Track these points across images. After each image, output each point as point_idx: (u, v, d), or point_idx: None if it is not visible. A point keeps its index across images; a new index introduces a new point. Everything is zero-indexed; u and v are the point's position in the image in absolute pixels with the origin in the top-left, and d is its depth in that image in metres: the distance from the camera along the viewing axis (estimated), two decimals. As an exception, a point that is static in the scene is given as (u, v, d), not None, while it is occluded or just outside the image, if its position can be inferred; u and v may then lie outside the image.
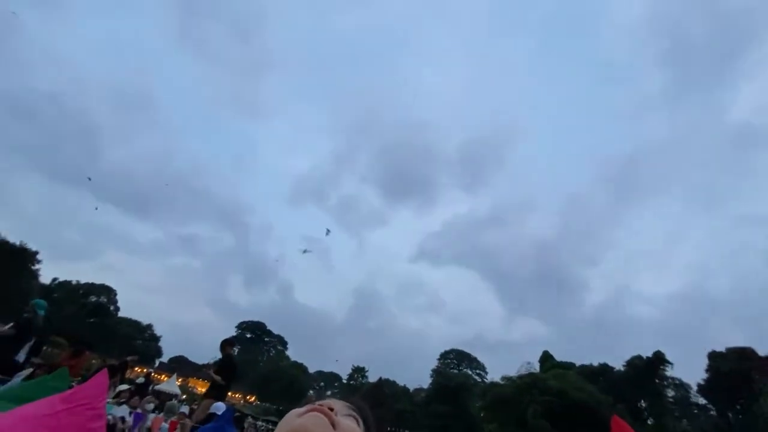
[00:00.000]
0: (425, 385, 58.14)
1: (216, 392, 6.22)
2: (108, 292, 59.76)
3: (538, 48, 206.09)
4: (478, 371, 62.21)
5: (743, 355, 37.85)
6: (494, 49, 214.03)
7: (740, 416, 36.32)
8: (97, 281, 60.03)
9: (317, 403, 0.62)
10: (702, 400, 43.06)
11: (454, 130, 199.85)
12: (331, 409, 0.61)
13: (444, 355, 63.29)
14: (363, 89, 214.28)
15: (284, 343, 70.65)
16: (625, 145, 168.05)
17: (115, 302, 60.26)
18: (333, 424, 0.58)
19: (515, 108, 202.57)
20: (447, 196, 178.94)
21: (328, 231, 67.95)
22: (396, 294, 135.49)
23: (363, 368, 68.14)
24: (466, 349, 64.96)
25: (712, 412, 41.59)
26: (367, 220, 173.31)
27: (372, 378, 66.23)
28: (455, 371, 60.39)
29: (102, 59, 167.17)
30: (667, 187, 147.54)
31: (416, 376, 71.04)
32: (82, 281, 58.68)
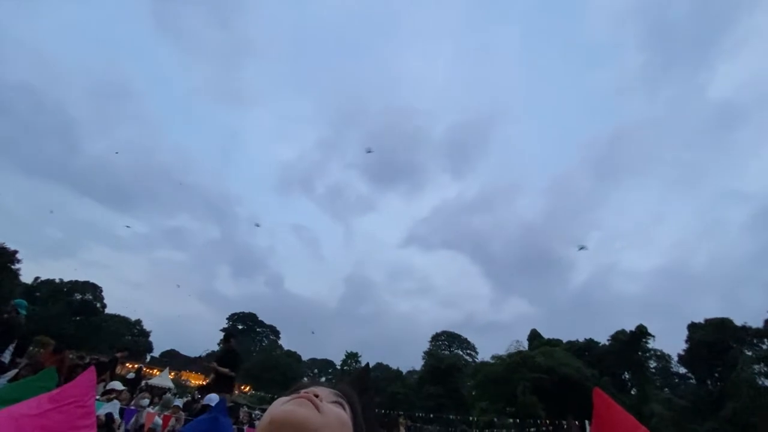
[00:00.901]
0: (418, 368, 59.26)
1: (224, 385, 6.15)
2: (93, 289, 58.72)
3: (522, 31, 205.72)
4: (468, 352, 63.59)
5: (721, 326, 39.43)
6: (478, 33, 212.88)
7: (718, 383, 38.07)
8: (81, 279, 58.93)
9: (303, 390, 0.61)
10: (682, 370, 44.98)
11: (441, 115, 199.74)
12: (317, 396, 0.60)
13: (435, 338, 64.38)
14: (347, 76, 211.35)
15: (276, 333, 70.94)
16: (608, 126, 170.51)
17: (101, 299, 59.32)
18: (318, 410, 0.57)
19: (500, 91, 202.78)
20: (435, 182, 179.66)
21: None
22: (387, 280, 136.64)
23: (356, 354, 68.96)
24: (457, 331, 66.27)
25: (691, 381, 43.52)
26: (356, 207, 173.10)
27: (365, 363, 67.16)
28: (447, 353, 61.56)
29: (76, 49, 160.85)
30: (650, 166, 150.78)
31: (409, 359, 72.31)
32: (66, 279, 57.55)
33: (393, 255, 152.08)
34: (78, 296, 57.38)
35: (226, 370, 6.04)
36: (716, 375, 39.42)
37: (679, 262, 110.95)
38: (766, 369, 33.37)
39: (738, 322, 39.05)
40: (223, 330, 69.30)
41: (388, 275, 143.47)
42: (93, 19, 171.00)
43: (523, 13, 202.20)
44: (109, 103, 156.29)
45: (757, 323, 37.75)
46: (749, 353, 37.02)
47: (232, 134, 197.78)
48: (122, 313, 60.03)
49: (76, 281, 58.01)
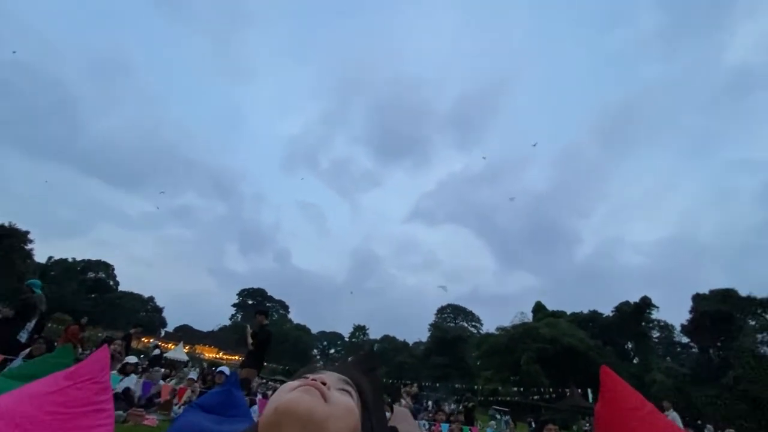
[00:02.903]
0: (424, 339, 60.64)
1: (252, 361, 6.24)
2: (106, 267, 60.02)
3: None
4: (474, 324, 64.77)
5: (725, 296, 39.47)
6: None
7: (720, 353, 38.56)
8: (93, 257, 60.15)
9: (311, 377, 0.59)
10: (685, 339, 45.52)
11: (448, 86, 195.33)
12: (324, 383, 0.57)
13: (441, 310, 65.50)
14: (351, 45, 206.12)
15: (286, 308, 72.47)
16: (621, 91, 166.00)
17: (113, 277, 60.72)
18: (325, 399, 0.55)
19: (510, 58, 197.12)
20: (441, 155, 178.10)
21: None
22: (393, 254, 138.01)
23: (364, 327, 70.62)
24: (463, 304, 67.29)
25: (694, 350, 44.10)
26: (361, 182, 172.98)
27: (373, 335, 68.54)
28: (452, 325, 62.80)
29: (75, 27, 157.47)
30: (660, 135, 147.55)
31: (415, 330, 74.17)
32: (78, 258, 58.75)
33: (399, 229, 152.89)
34: (91, 275, 58.74)
35: (251, 341, 6.10)
36: (718, 344, 39.88)
37: (687, 233, 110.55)
38: (767, 338, 33.70)
39: (743, 293, 39.11)
40: (234, 305, 71.04)
41: (395, 249, 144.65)
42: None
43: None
44: (110, 80, 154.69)
45: (762, 293, 37.79)
46: (753, 323, 37.27)
47: (236, 108, 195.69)
48: (135, 290, 61.60)
49: (89, 260, 59.25)
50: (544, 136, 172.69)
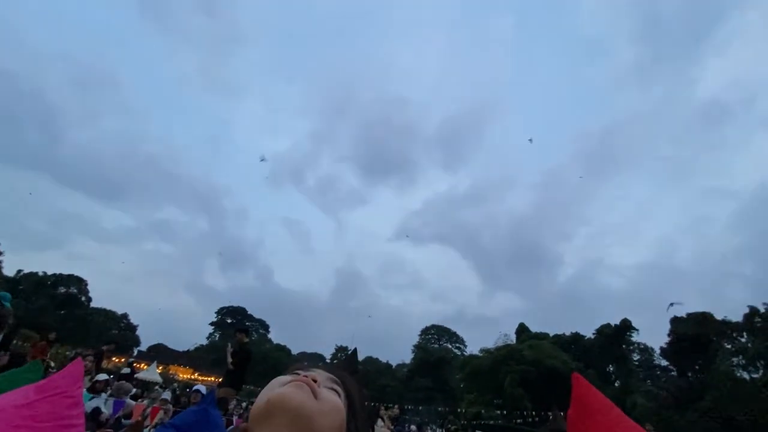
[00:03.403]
0: (407, 361, 59.79)
1: (231, 381, 6.08)
2: (78, 282, 57.74)
3: (516, 23, 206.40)
4: (457, 345, 64.34)
5: (702, 320, 40.43)
6: (472, 24, 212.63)
7: (699, 375, 39.16)
8: (66, 271, 57.88)
9: (302, 373, 0.61)
10: (664, 362, 46.15)
11: (433, 108, 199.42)
12: (315, 381, 0.60)
13: (425, 331, 64.97)
14: (338, 66, 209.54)
15: (266, 327, 70.75)
16: (600, 120, 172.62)
17: (86, 292, 58.38)
18: (315, 395, 0.57)
19: (493, 84, 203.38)
20: (427, 175, 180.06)
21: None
22: (377, 273, 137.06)
23: (346, 348, 69.16)
24: (447, 325, 66.96)
25: (673, 373, 44.68)
26: (347, 200, 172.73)
27: (353, 349, 67.43)
28: (436, 346, 62.22)
29: (57, 35, 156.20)
30: (639, 162, 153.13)
31: (399, 352, 73.12)
32: (50, 272, 56.43)
33: (384, 248, 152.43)
34: (62, 289, 56.39)
35: (231, 360, 5.95)
36: (697, 367, 40.54)
37: (664, 257, 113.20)
38: (743, 361, 34.45)
39: (719, 317, 40.16)
40: (212, 324, 68.94)
41: (379, 269, 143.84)
42: (75, 4, 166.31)
43: (517, 4, 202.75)
44: (93, 92, 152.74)
45: (737, 317, 38.86)
46: (729, 346, 38.14)
47: (221, 124, 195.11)
48: (108, 306, 59.30)
49: (61, 274, 56.97)
50: (528, 161, 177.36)
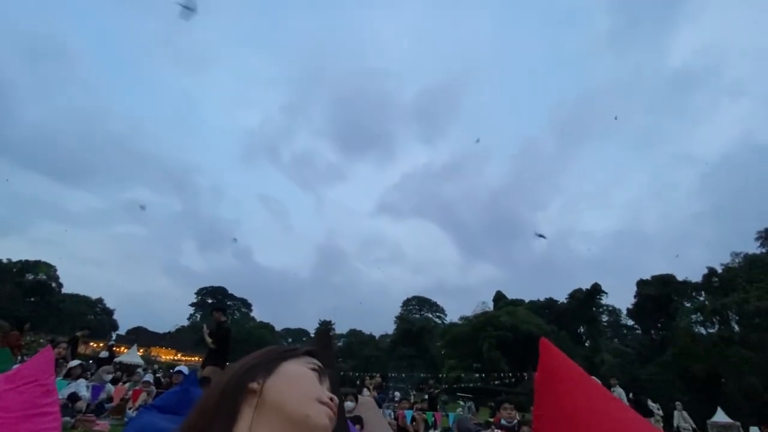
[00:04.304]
0: (390, 331, 61.34)
1: (214, 360, 6.09)
2: (47, 268, 55.54)
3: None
4: (438, 314, 66.27)
5: (665, 281, 43.00)
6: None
7: (660, 332, 42.03)
8: (32, 258, 55.48)
9: (330, 400, 0.65)
10: (630, 322, 49.19)
11: (410, 79, 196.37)
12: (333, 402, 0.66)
13: (406, 303, 66.43)
14: (312, 35, 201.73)
15: (248, 306, 70.62)
16: (574, 90, 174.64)
17: (56, 278, 56.35)
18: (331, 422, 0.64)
19: (470, 54, 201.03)
20: (405, 148, 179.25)
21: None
22: (358, 248, 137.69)
23: (329, 321, 70.28)
24: (427, 296, 68.61)
25: (638, 331, 47.76)
26: (325, 176, 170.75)
27: (339, 329, 68.50)
28: (417, 316, 63.92)
29: (3, 4, 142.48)
30: (610, 130, 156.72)
31: (381, 323, 74.63)
32: (14, 259, 53.98)
33: (364, 223, 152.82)
34: (30, 276, 54.20)
35: (210, 340, 5.97)
36: (659, 325, 43.44)
37: (633, 223, 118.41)
38: (701, 318, 37.05)
39: (680, 278, 42.78)
40: (193, 305, 68.28)
41: (360, 244, 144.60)
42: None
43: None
44: (45, 65, 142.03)
45: (696, 278, 41.51)
46: (688, 305, 40.87)
47: (189, 99, 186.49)
48: (81, 292, 57.56)
49: (27, 261, 54.58)
50: (504, 132, 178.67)
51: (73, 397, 5.52)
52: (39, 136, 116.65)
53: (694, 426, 12.32)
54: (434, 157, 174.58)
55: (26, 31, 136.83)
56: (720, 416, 18.69)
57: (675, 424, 12.36)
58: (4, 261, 52.96)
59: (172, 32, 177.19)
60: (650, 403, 12.96)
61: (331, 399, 0.65)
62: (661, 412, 12.91)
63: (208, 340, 5.94)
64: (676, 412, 12.64)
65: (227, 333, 6.21)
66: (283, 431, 0.59)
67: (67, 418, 4.62)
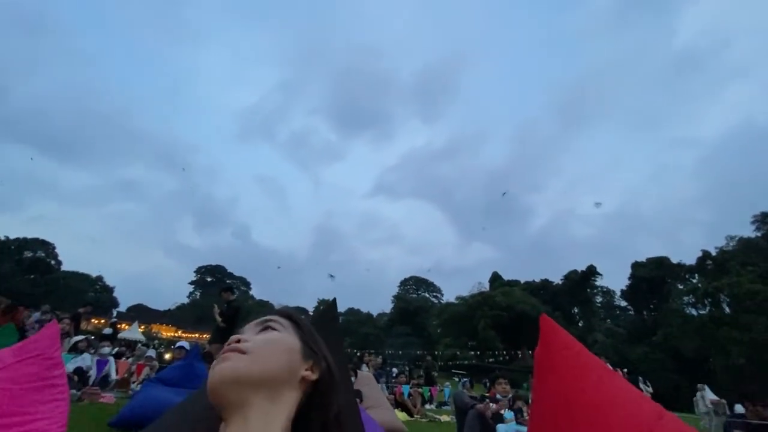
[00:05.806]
0: (387, 310, 62.26)
1: (220, 337, 6.21)
2: (45, 245, 55.65)
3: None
4: (435, 294, 67.19)
5: (659, 263, 43.52)
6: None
7: (653, 313, 42.81)
8: (30, 235, 55.50)
9: (227, 344, 0.61)
10: (624, 303, 50.04)
11: (407, 57, 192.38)
12: (239, 341, 0.60)
13: (404, 282, 67.22)
14: (311, 11, 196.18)
15: (247, 284, 71.27)
16: (574, 70, 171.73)
17: (55, 256, 56.55)
18: (243, 351, 0.58)
19: (469, 32, 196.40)
20: (403, 128, 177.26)
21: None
22: (356, 228, 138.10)
23: (328, 300, 71.10)
24: (424, 276, 69.34)
25: (630, 312, 48.65)
26: (322, 155, 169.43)
27: (338, 308, 69.56)
28: (414, 296, 64.79)
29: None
30: (610, 112, 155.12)
31: (379, 302, 75.55)
32: (12, 237, 53.99)
33: (362, 204, 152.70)
34: (29, 254, 54.34)
35: (220, 319, 6.12)
36: (652, 306, 44.25)
37: (630, 205, 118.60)
38: (693, 300, 37.71)
39: (675, 260, 43.28)
40: (192, 283, 68.86)
41: (358, 224, 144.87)
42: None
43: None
44: (35, 39, 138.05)
45: (690, 261, 42.02)
46: (681, 287, 41.52)
47: (184, 74, 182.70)
48: (81, 269, 57.85)
49: (25, 238, 54.61)
50: (503, 112, 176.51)
51: (79, 371, 5.64)
52: (29, 112, 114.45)
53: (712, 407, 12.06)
54: (432, 137, 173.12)
55: (17, 4, 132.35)
56: (707, 393, 19.26)
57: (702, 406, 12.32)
58: (2, 238, 53.00)
59: (166, 5, 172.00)
60: (640, 381, 13.34)
61: (237, 340, 0.60)
62: (650, 389, 13.30)
63: (218, 319, 6.10)
64: (699, 394, 12.77)
65: (236, 311, 6.40)
66: None
67: (74, 391, 4.73)
